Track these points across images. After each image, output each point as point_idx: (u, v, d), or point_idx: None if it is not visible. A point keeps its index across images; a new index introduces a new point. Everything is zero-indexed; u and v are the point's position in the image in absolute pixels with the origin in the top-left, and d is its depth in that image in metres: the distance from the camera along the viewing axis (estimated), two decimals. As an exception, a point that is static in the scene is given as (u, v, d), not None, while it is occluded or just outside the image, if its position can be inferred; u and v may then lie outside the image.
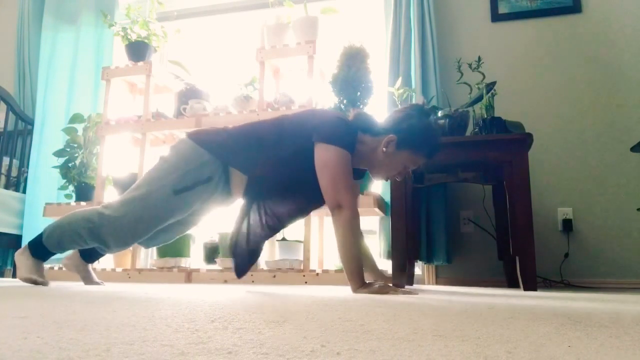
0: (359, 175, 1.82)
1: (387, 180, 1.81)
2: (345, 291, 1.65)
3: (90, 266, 2.08)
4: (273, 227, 1.74)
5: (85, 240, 1.74)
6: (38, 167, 3.31)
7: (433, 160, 1.72)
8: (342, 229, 1.54)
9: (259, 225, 1.73)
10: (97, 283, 2.07)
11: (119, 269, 2.61)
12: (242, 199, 1.74)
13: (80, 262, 2.03)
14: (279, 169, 1.65)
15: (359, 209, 1.66)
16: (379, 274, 1.81)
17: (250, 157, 1.67)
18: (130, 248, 2.67)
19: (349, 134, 1.62)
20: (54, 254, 1.83)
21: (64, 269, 2.64)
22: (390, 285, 1.64)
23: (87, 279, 2.06)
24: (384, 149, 1.62)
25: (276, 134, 1.67)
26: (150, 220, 1.69)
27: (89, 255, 2.02)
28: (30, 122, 3.43)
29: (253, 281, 2.35)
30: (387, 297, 1.32)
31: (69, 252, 2.08)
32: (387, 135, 1.63)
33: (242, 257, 1.74)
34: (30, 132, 3.42)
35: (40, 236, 1.80)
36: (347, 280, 1.56)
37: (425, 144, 1.64)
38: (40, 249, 1.81)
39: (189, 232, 2.67)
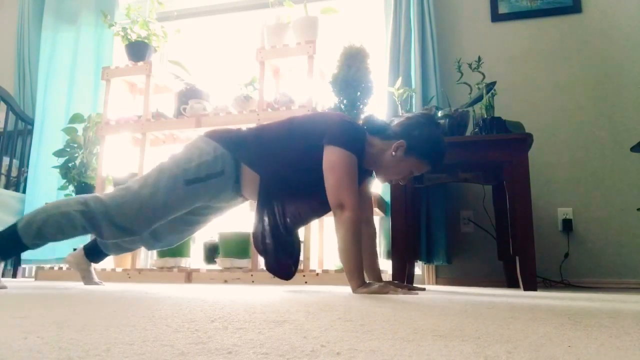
0: (370, 173, 1.84)
1: (391, 183, 1.83)
2: (345, 291, 1.65)
3: (92, 266, 2.08)
4: (289, 227, 1.73)
5: (75, 225, 1.62)
6: (38, 167, 3.31)
7: (436, 169, 1.74)
8: (343, 229, 1.55)
9: (275, 225, 1.73)
10: (96, 283, 2.07)
11: (119, 269, 2.60)
12: (257, 198, 1.74)
13: (84, 261, 2.02)
14: (289, 169, 1.67)
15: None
16: (376, 277, 1.80)
17: (261, 156, 1.69)
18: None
19: (358, 137, 1.65)
20: (24, 249, 1.66)
21: (66, 266, 2.65)
22: (390, 284, 1.64)
23: (87, 279, 2.06)
24: (393, 152, 1.65)
25: (286, 135, 1.69)
26: (155, 208, 1.64)
27: (95, 255, 2.01)
28: (30, 122, 3.43)
29: (253, 281, 2.36)
30: (387, 297, 1.32)
31: (73, 251, 2.07)
32: (397, 140, 1.65)
33: (279, 255, 1.72)
34: (30, 132, 3.43)
35: (12, 227, 1.65)
36: (347, 280, 1.56)
37: (433, 153, 1.66)
38: (10, 242, 1.64)
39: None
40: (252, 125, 2.62)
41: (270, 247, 1.72)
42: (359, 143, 1.64)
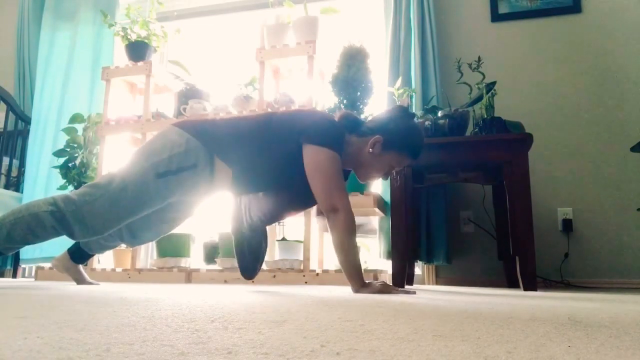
0: (348, 174, 1.82)
1: (372, 181, 1.79)
2: (345, 291, 1.64)
3: (81, 267, 2.05)
4: (254, 225, 1.71)
5: (46, 228, 1.57)
6: (33, 165, 3.31)
7: (417, 160, 1.72)
8: (339, 232, 1.52)
9: (248, 221, 1.71)
10: (90, 283, 2.06)
11: (119, 269, 2.60)
12: (230, 193, 1.70)
13: (70, 264, 2.00)
14: (264, 167, 1.62)
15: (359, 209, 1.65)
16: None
17: (236, 151, 1.62)
18: (124, 246, 2.67)
19: (338, 135, 1.60)
20: None
21: (54, 270, 2.64)
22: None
23: (80, 280, 2.05)
24: (370, 149, 1.62)
25: (263, 132, 1.63)
26: (127, 205, 1.57)
27: (80, 256, 1.99)
28: (30, 122, 3.43)
29: (253, 281, 2.35)
30: (387, 297, 1.32)
31: (58, 255, 2.04)
32: (373, 136, 1.63)
33: (248, 257, 1.72)
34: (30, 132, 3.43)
35: None
36: (347, 281, 1.56)
37: (411, 144, 1.65)
38: None
39: (188, 232, 2.68)
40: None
41: (244, 245, 1.70)
42: (340, 139, 1.60)
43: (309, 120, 1.61)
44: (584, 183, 2.63)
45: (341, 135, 1.62)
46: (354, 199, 2.25)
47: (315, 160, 1.55)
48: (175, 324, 0.68)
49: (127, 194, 1.57)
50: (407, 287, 2.10)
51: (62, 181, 2.99)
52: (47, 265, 2.82)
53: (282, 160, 1.61)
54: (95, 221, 1.58)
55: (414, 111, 2.57)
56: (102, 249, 1.98)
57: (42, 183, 3.27)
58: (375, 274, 2.23)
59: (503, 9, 2.88)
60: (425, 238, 2.63)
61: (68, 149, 2.99)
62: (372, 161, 1.64)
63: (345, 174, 1.79)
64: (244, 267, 1.73)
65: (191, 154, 1.59)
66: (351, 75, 2.42)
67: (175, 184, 1.59)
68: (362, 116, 2.38)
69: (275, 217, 1.73)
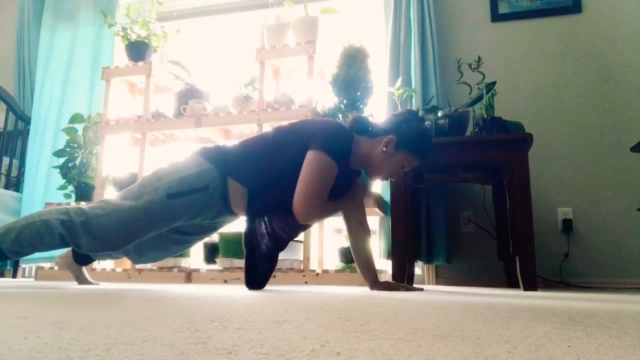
0: (358, 174, 1.83)
1: (383, 180, 1.81)
2: (345, 291, 1.64)
3: (83, 267, 2.06)
4: (281, 240, 1.71)
5: (54, 235, 1.60)
6: (33, 165, 3.31)
7: (426, 163, 1.75)
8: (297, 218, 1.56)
9: (266, 237, 1.71)
10: (90, 283, 2.06)
11: (119, 269, 2.60)
12: (245, 213, 1.71)
13: (73, 262, 2.01)
14: (277, 181, 1.65)
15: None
16: (373, 277, 1.79)
17: (248, 169, 1.66)
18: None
19: (343, 144, 1.64)
20: (3, 257, 1.65)
21: (56, 267, 2.64)
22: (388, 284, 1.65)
23: (81, 279, 2.06)
24: (384, 148, 1.66)
25: (272, 146, 1.68)
26: (136, 223, 1.60)
27: (82, 258, 2.00)
28: (30, 122, 3.43)
29: (253, 281, 2.35)
30: (387, 296, 1.32)
31: (63, 251, 2.05)
32: (386, 136, 1.67)
33: (258, 269, 1.72)
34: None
35: None
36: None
37: (422, 146, 1.70)
38: None
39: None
40: (253, 125, 2.64)
41: (257, 259, 1.70)
42: (344, 150, 1.64)
43: (316, 127, 1.65)
44: (584, 183, 2.63)
45: (347, 143, 1.66)
46: (354, 199, 2.24)
47: (309, 162, 1.58)
48: (175, 324, 0.68)
49: (137, 212, 1.60)
50: (414, 285, 2.11)
51: (62, 181, 3.00)
52: (47, 265, 2.82)
53: (292, 172, 1.62)
54: (104, 235, 1.60)
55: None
56: (106, 257, 1.99)
57: (42, 183, 3.27)
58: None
59: (503, 9, 2.88)
60: (425, 238, 2.63)
61: (68, 149, 2.99)
62: (384, 160, 1.68)
63: (356, 174, 1.82)
64: (259, 281, 1.74)
65: (203, 176, 1.64)
66: (351, 75, 2.42)
67: (186, 205, 1.63)
68: (350, 117, 2.39)
69: (296, 228, 1.73)
